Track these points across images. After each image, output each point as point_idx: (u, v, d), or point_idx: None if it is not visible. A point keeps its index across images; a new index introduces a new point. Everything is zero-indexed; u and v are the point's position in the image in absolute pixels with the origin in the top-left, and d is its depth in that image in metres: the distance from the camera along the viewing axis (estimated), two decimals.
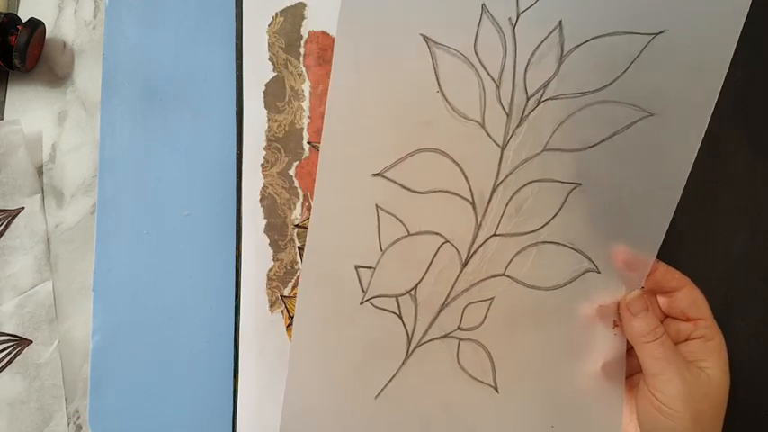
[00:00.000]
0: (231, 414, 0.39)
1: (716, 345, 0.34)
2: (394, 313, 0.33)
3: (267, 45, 0.41)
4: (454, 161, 0.32)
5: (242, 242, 0.40)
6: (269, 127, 0.41)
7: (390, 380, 0.33)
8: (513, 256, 0.33)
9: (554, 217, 0.33)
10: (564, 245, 0.33)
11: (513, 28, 0.31)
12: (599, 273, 0.33)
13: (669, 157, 0.32)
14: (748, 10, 0.32)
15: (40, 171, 0.42)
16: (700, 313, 0.35)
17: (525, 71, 0.32)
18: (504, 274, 0.33)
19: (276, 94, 0.41)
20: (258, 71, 0.41)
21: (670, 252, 0.41)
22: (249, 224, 0.40)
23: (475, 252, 0.33)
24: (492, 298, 0.33)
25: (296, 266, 0.39)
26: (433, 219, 0.32)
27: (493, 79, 0.32)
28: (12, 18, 0.40)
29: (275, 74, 0.41)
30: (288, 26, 0.41)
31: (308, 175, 0.39)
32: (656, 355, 0.33)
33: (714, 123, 0.42)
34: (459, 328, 0.33)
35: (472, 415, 0.33)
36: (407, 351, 0.33)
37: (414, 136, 0.32)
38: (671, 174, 0.32)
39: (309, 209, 0.35)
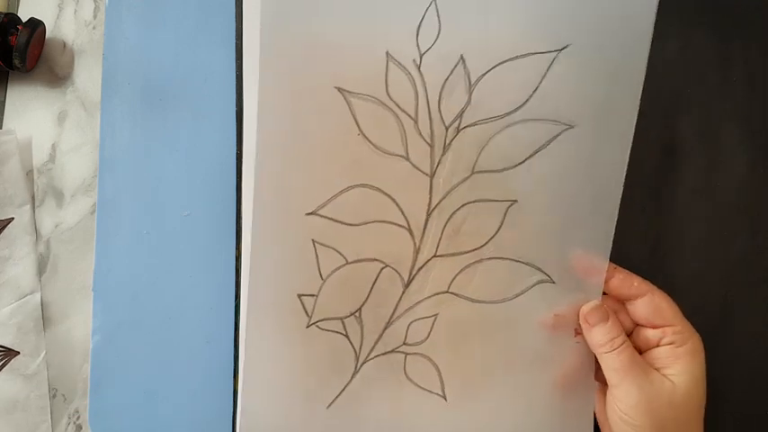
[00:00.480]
0: (231, 414, 0.39)
1: (687, 350, 0.34)
2: (340, 333, 0.35)
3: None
4: (386, 194, 0.34)
5: (242, 242, 0.40)
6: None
7: (341, 392, 0.35)
8: (457, 274, 0.35)
9: (496, 234, 0.34)
10: (511, 259, 0.35)
11: (419, 68, 0.33)
12: (553, 283, 0.35)
13: (600, 164, 0.34)
14: (656, 12, 0.32)
15: (30, 177, 0.42)
16: (665, 320, 0.34)
17: (439, 104, 0.33)
18: (447, 292, 0.35)
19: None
20: (258, 71, 0.41)
21: (670, 252, 0.41)
22: (249, 224, 0.40)
23: (417, 273, 0.35)
24: (436, 314, 0.35)
25: (288, 271, 0.38)
26: (371, 247, 0.34)
27: (409, 116, 0.33)
28: (12, 18, 0.40)
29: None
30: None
31: (306, 167, 0.38)
32: (614, 366, 0.34)
33: (714, 123, 0.43)
34: (404, 344, 0.35)
35: (424, 423, 0.35)
36: (356, 366, 0.35)
37: (344, 175, 0.34)
38: (605, 180, 0.34)
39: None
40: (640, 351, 0.35)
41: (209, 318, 0.40)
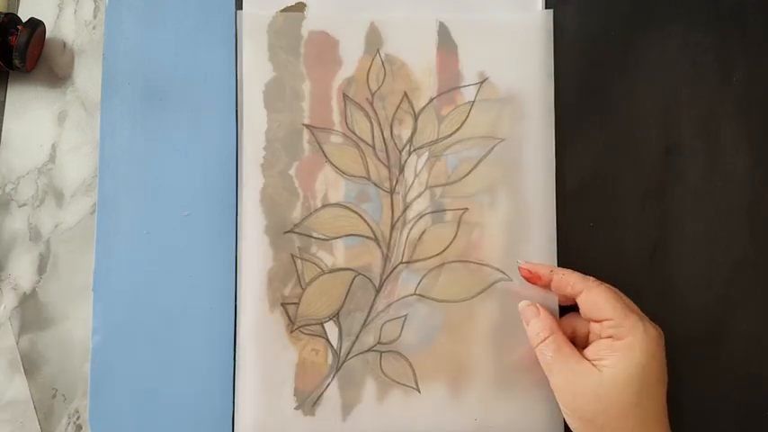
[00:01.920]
0: (231, 414, 0.39)
1: (625, 344, 0.34)
2: (321, 336, 0.39)
3: (267, 45, 0.41)
4: (353, 210, 0.40)
5: (242, 242, 0.40)
6: (269, 127, 0.41)
7: (325, 389, 0.39)
8: (422, 278, 0.40)
9: (453, 239, 0.40)
10: (471, 261, 0.40)
11: (372, 104, 0.41)
12: (511, 280, 0.40)
13: (532, 170, 0.41)
14: (551, 44, 0.42)
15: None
16: (601, 314, 0.35)
17: (391, 133, 0.41)
18: (414, 294, 0.40)
19: (276, 94, 0.41)
20: (258, 71, 0.41)
21: (670, 252, 0.41)
22: (249, 224, 0.40)
23: (386, 279, 0.40)
24: (406, 315, 0.40)
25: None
26: (344, 257, 0.40)
27: (368, 143, 0.41)
28: (12, 18, 0.40)
29: (275, 74, 0.41)
30: (288, 26, 0.42)
31: (308, 175, 0.40)
32: (542, 359, 0.36)
33: (714, 123, 0.43)
34: (379, 343, 0.40)
35: (401, 416, 0.39)
36: (337, 365, 0.39)
37: (316, 196, 0.40)
38: (540, 183, 0.41)
39: (309, 209, 0.40)
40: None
41: (209, 318, 0.40)
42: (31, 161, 0.42)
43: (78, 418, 0.40)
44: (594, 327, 0.36)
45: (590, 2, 0.43)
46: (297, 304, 0.40)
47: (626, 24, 0.43)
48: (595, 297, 0.35)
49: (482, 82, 0.41)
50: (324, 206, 0.40)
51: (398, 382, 0.39)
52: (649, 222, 0.42)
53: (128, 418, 0.39)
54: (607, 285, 0.36)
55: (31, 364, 0.41)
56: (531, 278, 0.38)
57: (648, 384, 0.34)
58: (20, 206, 0.42)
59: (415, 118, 0.41)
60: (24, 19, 0.41)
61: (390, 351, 0.39)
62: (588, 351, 0.35)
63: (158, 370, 0.39)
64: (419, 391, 0.39)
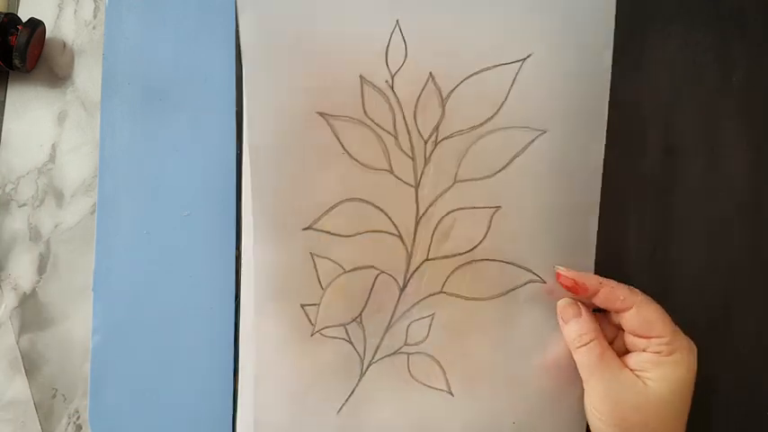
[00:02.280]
0: (231, 414, 0.39)
1: (672, 360, 0.33)
2: (344, 339, 0.37)
3: (267, 45, 0.41)
4: (375, 206, 0.36)
5: (242, 242, 0.40)
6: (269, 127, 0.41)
7: (350, 396, 0.36)
8: (449, 276, 0.36)
9: (483, 239, 0.36)
10: (501, 261, 0.36)
11: (392, 88, 0.35)
12: (544, 282, 0.36)
13: (575, 166, 0.36)
14: (614, 19, 0.35)
15: None
16: (653, 332, 0.34)
17: (415, 120, 0.35)
18: (441, 292, 0.36)
19: (276, 95, 0.41)
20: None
21: (670, 252, 0.41)
22: (249, 224, 0.40)
23: (411, 276, 0.36)
24: (433, 314, 0.36)
25: (290, 283, 0.38)
26: (366, 255, 0.36)
27: (389, 132, 0.36)
28: (12, 18, 0.40)
29: (275, 74, 0.41)
30: (288, 26, 0.41)
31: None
32: (583, 362, 0.35)
33: (714, 123, 0.43)
34: (406, 344, 0.37)
35: (431, 418, 0.36)
36: (362, 370, 0.37)
37: (335, 191, 0.36)
38: (583, 182, 0.36)
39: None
40: (626, 352, 0.36)
41: (209, 318, 0.40)
42: (31, 161, 0.42)
43: (78, 418, 0.40)
44: (638, 341, 0.35)
45: None
46: (317, 305, 0.37)
47: (626, 24, 0.43)
48: (647, 314, 0.34)
49: (525, 59, 0.34)
50: (342, 201, 0.36)
51: (429, 386, 0.37)
52: (649, 222, 0.42)
53: (128, 418, 0.39)
54: (653, 300, 0.35)
55: (31, 364, 0.41)
56: (575, 289, 0.35)
57: (686, 400, 0.34)
58: (20, 206, 0.42)
59: (443, 103, 0.35)
60: (24, 19, 0.41)
61: (418, 353, 0.36)
62: (630, 361, 0.35)
63: (158, 370, 0.39)
64: (452, 395, 0.36)
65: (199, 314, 0.40)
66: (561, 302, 0.36)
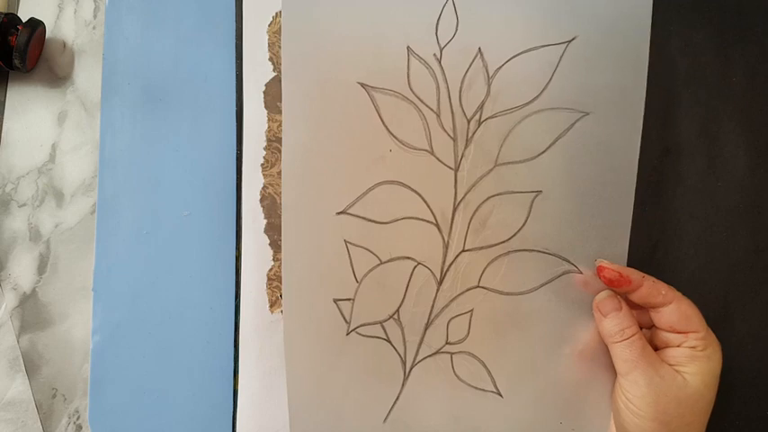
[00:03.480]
0: (231, 414, 0.39)
1: (706, 355, 0.34)
2: (382, 339, 0.34)
3: (267, 45, 0.41)
4: (412, 189, 0.34)
5: (242, 242, 0.40)
6: (269, 127, 0.41)
7: (395, 402, 0.34)
8: (485, 268, 0.35)
9: (523, 226, 0.35)
10: (537, 251, 0.35)
11: (440, 62, 0.34)
12: (581, 273, 0.35)
13: (615, 149, 0.35)
14: (652, 3, 0.35)
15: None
16: (691, 327, 0.34)
17: (459, 98, 0.34)
18: (478, 286, 0.35)
19: (276, 94, 0.41)
20: (258, 71, 0.41)
21: (670, 252, 0.41)
22: (249, 224, 0.40)
23: (448, 270, 0.35)
24: (471, 310, 0.35)
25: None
26: (401, 245, 0.34)
27: (432, 109, 0.34)
28: (12, 18, 0.40)
29: (275, 74, 0.41)
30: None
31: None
32: (624, 357, 0.34)
33: (714, 123, 0.43)
34: (447, 343, 0.35)
35: (482, 423, 0.35)
36: (405, 373, 0.35)
37: (370, 172, 0.34)
38: (621, 165, 0.35)
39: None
40: (657, 348, 0.36)
41: (209, 318, 0.40)
42: (31, 161, 0.42)
43: (78, 418, 0.40)
44: (674, 336, 0.35)
45: None
46: (352, 300, 0.34)
47: None
48: (686, 309, 0.34)
49: (570, 41, 0.34)
50: (378, 184, 0.34)
51: (476, 387, 0.35)
52: (649, 222, 0.42)
53: (128, 418, 0.39)
54: (687, 297, 0.35)
55: (31, 364, 0.41)
56: (619, 282, 0.35)
57: (714, 393, 0.35)
58: (20, 206, 0.42)
59: (489, 81, 0.34)
60: (24, 19, 0.41)
61: (461, 352, 0.35)
62: (666, 354, 0.35)
63: (158, 370, 0.39)
64: (501, 395, 0.35)
65: (199, 314, 0.40)
66: (601, 295, 0.36)
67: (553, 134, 0.34)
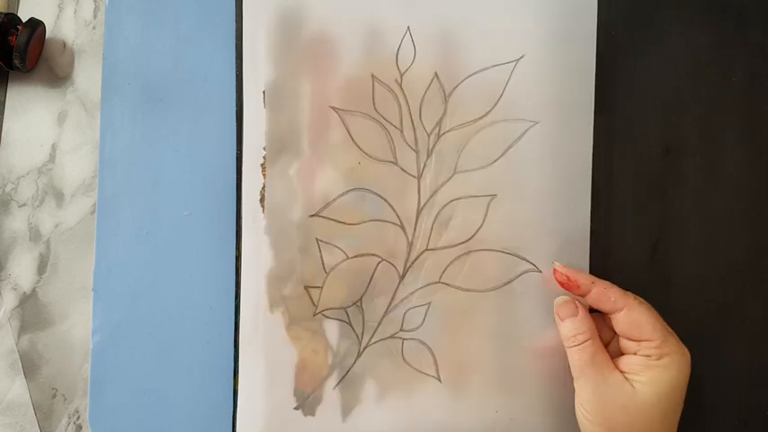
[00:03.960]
0: (231, 414, 0.39)
1: (661, 364, 0.34)
2: (344, 321, 0.39)
3: (267, 45, 0.41)
4: (379, 195, 0.39)
5: (242, 242, 0.40)
6: (269, 127, 0.41)
7: (346, 373, 0.39)
8: (447, 266, 0.39)
9: (481, 227, 0.39)
10: (498, 251, 0.39)
11: (400, 86, 0.39)
12: (540, 272, 0.38)
13: (567, 155, 0.39)
14: (596, 17, 0.39)
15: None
16: (643, 335, 0.34)
17: (420, 115, 0.39)
18: (439, 282, 0.39)
19: (276, 94, 0.41)
20: (258, 71, 0.41)
21: (670, 252, 0.41)
22: (249, 224, 0.40)
23: (410, 266, 0.39)
24: (429, 303, 0.39)
25: (296, 266, 0.39)
26: (369, 243, 0.39)
27: (396, 126, 0.39)
28: (12, 18, 0.40)
29: (275, 74, 0.41)
30: (288, 26, 0.41)
31: (308, 174, 0.40)
32: (575, 361, 0.35)
33: (714, 123, 0.43)
34: (401, 330, 0.39)
35: (420, 402, 0.39)
36: (358, 350, 0.39)
37: (342, 180, 0.39)
38: (574, 171, 0.39)
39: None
40: (619, 354, 0.36)
41: (209, 318, 0.40)
42: (31, 161, 0.42)
43: (78, 418, 0.40)
44: (629, 344, 0.35)
45: None
46: (320, 288, 0.39)
47: (626, 24, 0.43)
48: (638, 317, 0.34)
49: (518, 59, 0.39)
50: (349, 191, 0.39)
51: (419, 371, 0.39)
52: (649, 222, 0.42)
53: (128, 418, 0.39)
54: (647, 304, 0.35)
55: (30, 365, 0.41)
56: (568, 285, 0.36)
57: (675, 404, 0.34)
58: (20, 206, 0.42)
59: (446, 99, 0.39)
60: (24, 19, 0.41)
61: (412, 339, 0.39)
62: (621, 363, 0.35)
63: (158, 370, 0.39)
64: (440, 381, 0.39)
65: (199, 314, 0.40)
66: (558, 300, 0.37)
67: (505, 143, 0.39)
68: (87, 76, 0.43)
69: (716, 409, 0.40)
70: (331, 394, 0.39)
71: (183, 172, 0.41)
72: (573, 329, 0.36)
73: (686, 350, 0.34)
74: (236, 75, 0.42)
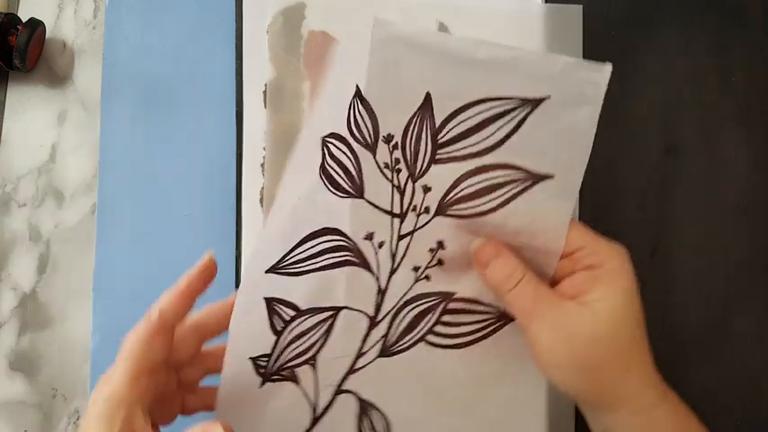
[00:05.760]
0: None
1: (606, 271, 0.29)
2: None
3: (267, 45, 0.41)
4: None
5: (242, 242, 0.40)
6: (269, 127, 0.41)
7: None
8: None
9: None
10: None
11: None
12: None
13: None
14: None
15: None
16: (570, 245, 0.29)
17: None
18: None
19: (276, 94, 0.41)
20: (258, 71, 0.41)
21: (670, 252, 0.41)
22: (249, 224, 0.40)
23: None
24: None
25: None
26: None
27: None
28: (12, 18, 0.40)
29: (275, 74, 0.41)
30: (288, 26, 0.41)
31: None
32: (519, 307, 0.29)
33: (714, 123, 0.43)
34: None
35: None
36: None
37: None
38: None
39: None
40: (557, 284, 0.30)
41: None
42: (31, 161, 0.42)
43: (78, 418, 0.40)
44: (562, 265, 0.30)
45: (590, 2, 0.43)
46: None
47: (626, 24, 0.43)
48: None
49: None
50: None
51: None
52: (649, 222, 0.42)
53: None
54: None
55: (31, 364, 0.41)
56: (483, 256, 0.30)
57: (637, 308, 0.29)
58: (20, 206, 0.42)
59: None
60: (24, 19, 0.41)
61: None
62: (563, 287, 0.29)
63: None
64: None
65: None
66: (475, 244, 0.30)
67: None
68: (87, 76, 0.43)
69: (716, 410, 0.40)
70: None
71: (183, 172, 0.41)
72: (503, 271, 0.29)
73: (622, 248, 0.30)
74: (236, 75, 0.42)
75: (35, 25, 0.41)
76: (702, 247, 0.42)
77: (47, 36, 0.43)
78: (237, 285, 0.40)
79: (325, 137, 0.31)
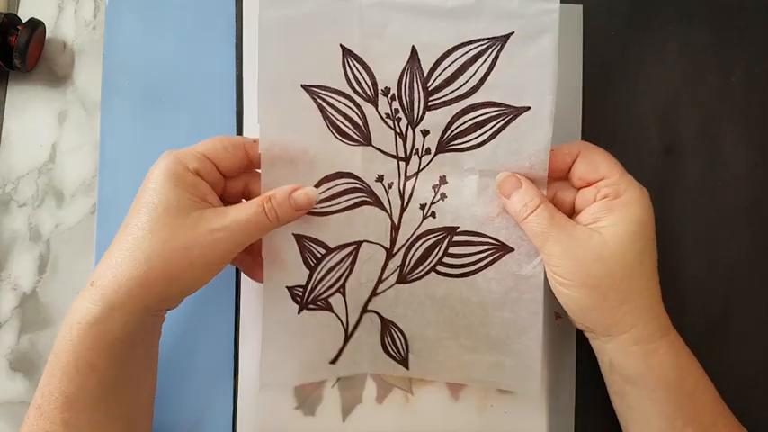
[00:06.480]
0: (231, 414, 0.39)
1: (621, 201, 0.32)
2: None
3: None
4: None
5: None
6: None
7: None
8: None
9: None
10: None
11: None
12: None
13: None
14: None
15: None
16: (599, 174, 0.33)
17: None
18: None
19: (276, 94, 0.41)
20: (258, 71, 0.41)
21: (670, 252, 0.41)
22: None
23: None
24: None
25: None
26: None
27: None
28: (12, 18, 0.40)
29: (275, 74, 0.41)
30: (288, 26, 0.41)
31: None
32: (534, 230, 0.33)
33: (714, 123, 0.43)
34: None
35: (423, 403, 0.40)
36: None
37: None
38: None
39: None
40: (578, 214, 0.35)
41: (209, 317, 0.40)
42: (31, 161, 0.42)
43: None
44: (586, 192, 0.34)
45: (590, 2, 0.43)
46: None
47: (626, 24, 0.43)
48: (593, 156, 0.34)
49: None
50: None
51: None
52: None
53: None
54: (599, 147, 0.35)
55: (30, 365, 0.40)
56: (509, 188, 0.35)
57: (649, 240, 0.33)
58: (20, 206, 0.42)
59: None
60: (24, 19, 0.41)
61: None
62: (581, 217, 0.34)
63: (158, 370, 0.39)
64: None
65: (199, 314, 0.40)
66: (500, 176, 0.35)
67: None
68: (87, 76, 0.43)
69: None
70: (330, 393, 0.39)
71: None
72: (522, 200, 0.34)
73: (645, 190, 0.33)
74: (236, 75, 0.42)
75: (35, 25, 0.41)
76: (702, 247, 0.42)
77: (47, 36, 0.43)
78: (237, 286, 0.40)
79: (313, 87, 0.35)
